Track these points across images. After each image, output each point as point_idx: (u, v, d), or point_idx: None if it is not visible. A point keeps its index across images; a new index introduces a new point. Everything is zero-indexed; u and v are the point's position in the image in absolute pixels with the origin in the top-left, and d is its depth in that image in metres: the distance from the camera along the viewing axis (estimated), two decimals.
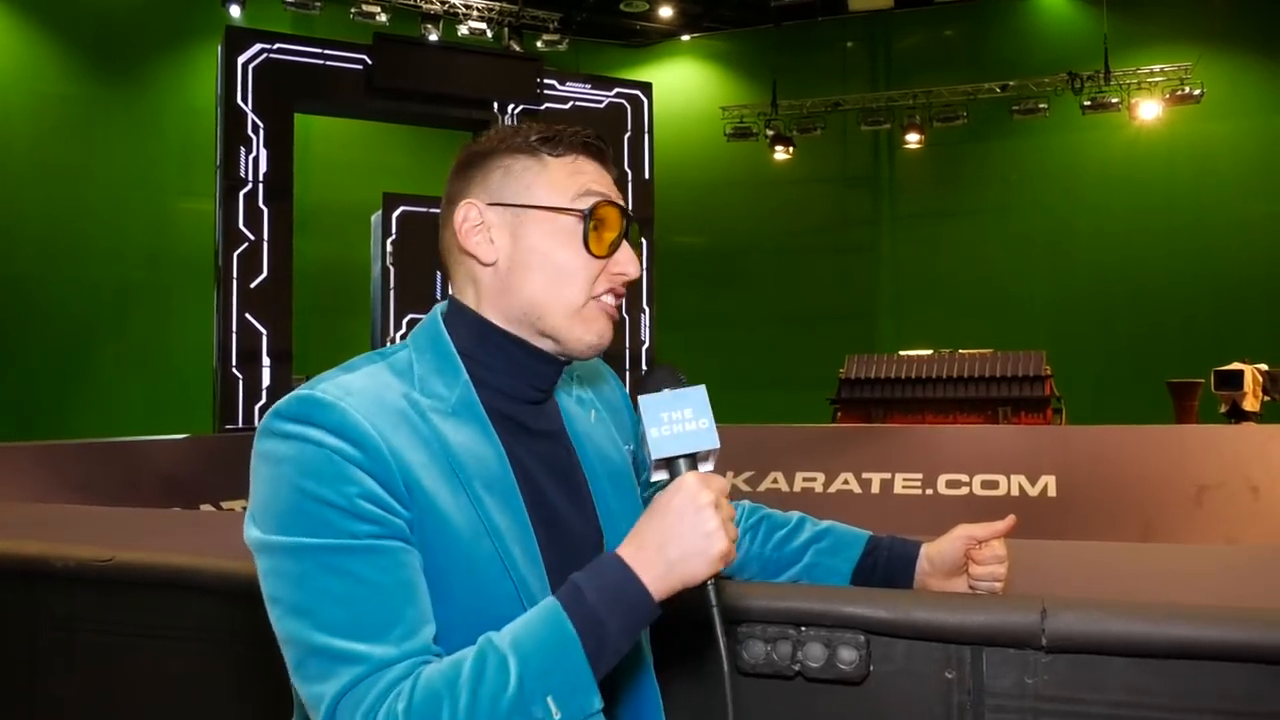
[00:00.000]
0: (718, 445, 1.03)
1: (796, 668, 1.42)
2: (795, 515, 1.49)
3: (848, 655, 1.40)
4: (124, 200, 13.61)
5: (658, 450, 1.02)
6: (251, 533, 1.00)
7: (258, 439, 1.02)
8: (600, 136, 1.20)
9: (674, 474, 1.02)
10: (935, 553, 1.42)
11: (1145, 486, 8.46)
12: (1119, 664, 1.30)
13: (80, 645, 1.87)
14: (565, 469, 1.16)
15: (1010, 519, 1.38)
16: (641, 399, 1.03)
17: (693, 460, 1.03)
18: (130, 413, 12.75)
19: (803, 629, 1.42)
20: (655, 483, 1.39)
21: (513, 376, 1.14)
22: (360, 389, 1.03)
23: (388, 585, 0.96)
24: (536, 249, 1.12)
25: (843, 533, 1.47)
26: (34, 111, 13.09)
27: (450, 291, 1.19)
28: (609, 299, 1.15)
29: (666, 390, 1.04)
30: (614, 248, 1.15)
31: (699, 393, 1.05)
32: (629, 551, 0.98)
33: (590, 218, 1.12)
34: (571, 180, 1.14)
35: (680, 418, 1.03)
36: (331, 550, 0.95)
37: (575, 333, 1.13)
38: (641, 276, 11.58)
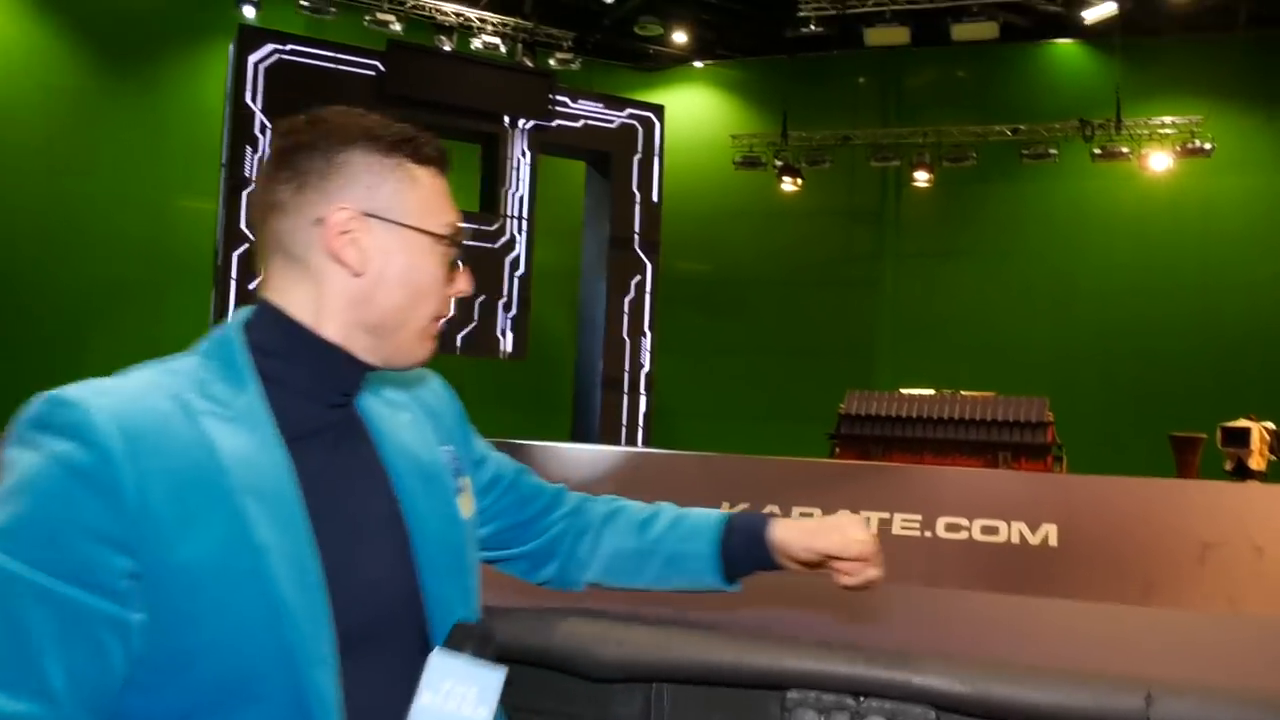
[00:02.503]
0: None
1: None
2: (656, 505, 1.41)
3: None
4: (126, 196, 13.47)
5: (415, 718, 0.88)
6: None
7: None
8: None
9: None
10: (782, 546, 1.31)
11: (1148, 540, 8.32)
12: None
13: None
14: (367, 472, 1.11)
15: (875, 579, 1.29)
16: (435, 653, 0.92)
17: None
18: None
19: (862, 699, 1.27)
20: (493, 482, 1.32)
21: (319, 382, 1.08)
22: (117, 388, 0.98)
23: (37, 637, 0.86)
24: (404, 267, 1.10)
25: (698, 517, 1.37)
26: (42, 104, 12.97)
27: (265, 293, 1.10)
28: (440, 319, 1.15)
29: (466, 656, 0.92)
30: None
31: (493, 678, 0.92)
32: None
33: (456, 247, 1.14)
34: (437, 200, 1.13)
35: (460, 695, 0.91)
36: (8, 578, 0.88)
37: (415, 351, 1.13)
38: (644, 301, 11.41)
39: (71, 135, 13.14)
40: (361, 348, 1.10)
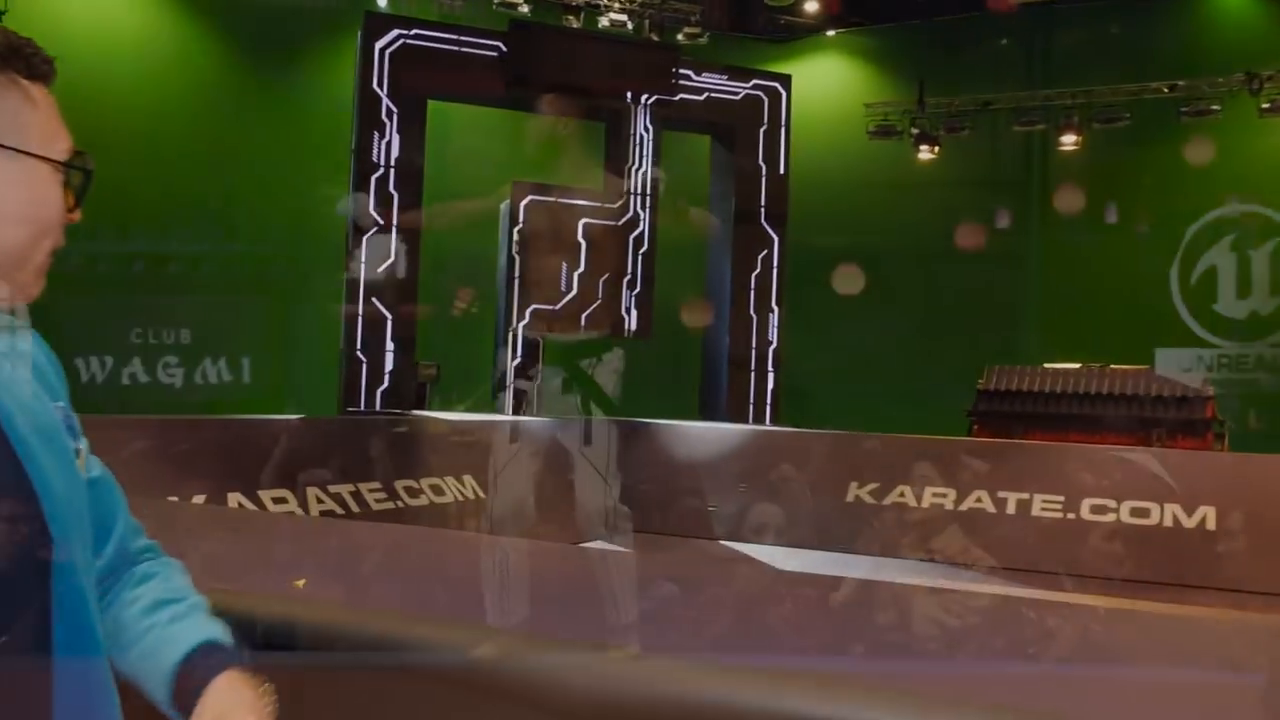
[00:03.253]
0: None
1: None
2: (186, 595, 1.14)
3: None
4: (269, 186, 13.92)
5: None
6: None
7: None
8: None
9: None
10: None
11: None
12: None
13: None
14: None
15: None
16: None
17: None
18: (265, 393, 13.04)
19: None
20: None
21: None
22: None
23: None
24: (26, 200, 0.98)
25: (190, 628, 1.09)
26: (191, 99, 13.48)
27: None
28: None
29: None
30: None
31: None
32: None
33: (77, 173, 1.01)
34: (54, 122, 1.00)
35: None
36: None
37: (30, 289, 1.01)
38: (771, 276, 11.18)
39: (219, 128, 13.64)
40: None
